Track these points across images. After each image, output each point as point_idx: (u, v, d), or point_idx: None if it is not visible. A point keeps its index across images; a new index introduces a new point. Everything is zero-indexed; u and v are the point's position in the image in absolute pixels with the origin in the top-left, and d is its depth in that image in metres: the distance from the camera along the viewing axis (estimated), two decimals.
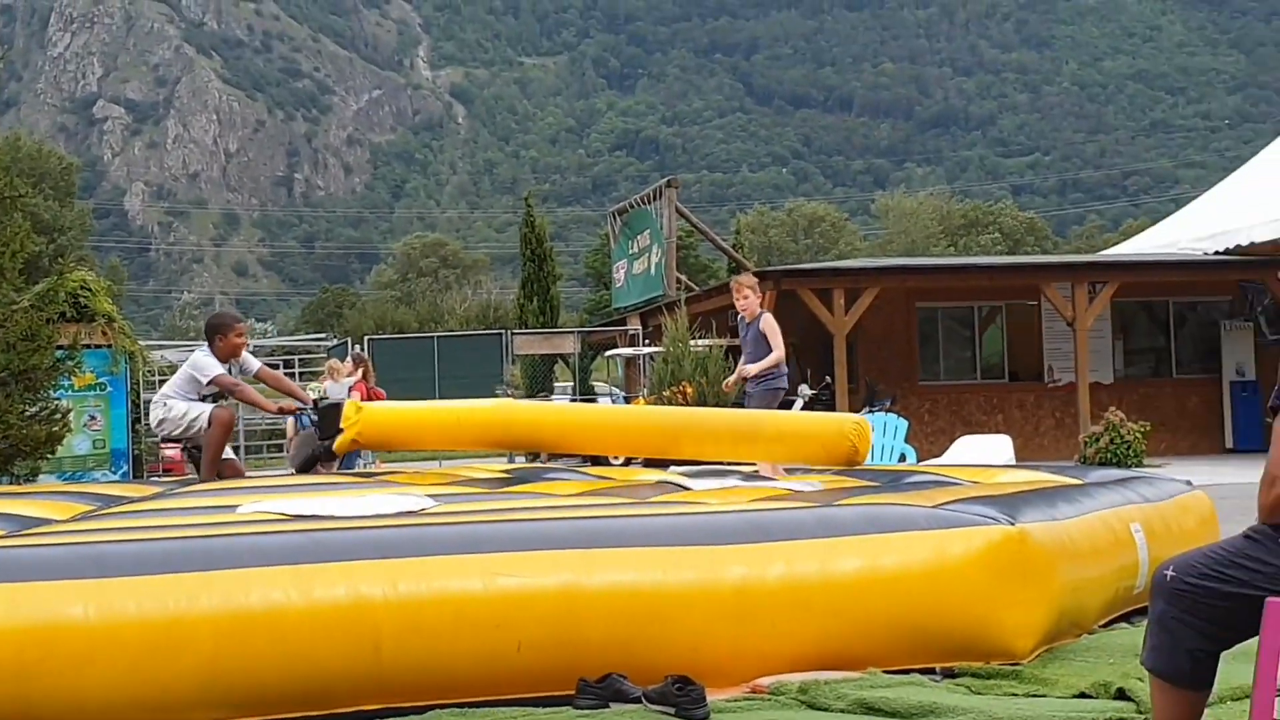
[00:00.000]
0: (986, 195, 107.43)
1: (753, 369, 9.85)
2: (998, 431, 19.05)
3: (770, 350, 9.79)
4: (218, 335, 8.67)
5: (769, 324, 9.94)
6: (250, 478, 8.98)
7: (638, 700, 4.39)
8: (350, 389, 14.58)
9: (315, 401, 9.42)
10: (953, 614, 4.95)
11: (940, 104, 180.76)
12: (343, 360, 17.84)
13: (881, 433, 13.28)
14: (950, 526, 5.09)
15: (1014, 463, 10.69)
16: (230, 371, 8.63)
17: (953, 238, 70.72)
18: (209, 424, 8.45)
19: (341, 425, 8.21)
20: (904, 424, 13.46)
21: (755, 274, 22.47)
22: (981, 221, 72.53)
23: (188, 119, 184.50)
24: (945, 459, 12.12)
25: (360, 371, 15.40)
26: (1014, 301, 22.72)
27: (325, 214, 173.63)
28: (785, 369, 10.04)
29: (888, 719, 4.14)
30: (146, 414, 9.22)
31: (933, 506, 5.36)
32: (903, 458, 12.81)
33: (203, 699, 4.24)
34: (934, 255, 57.63)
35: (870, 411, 16.87)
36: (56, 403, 15.17)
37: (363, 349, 28.63)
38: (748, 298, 10.00)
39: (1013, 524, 5.10)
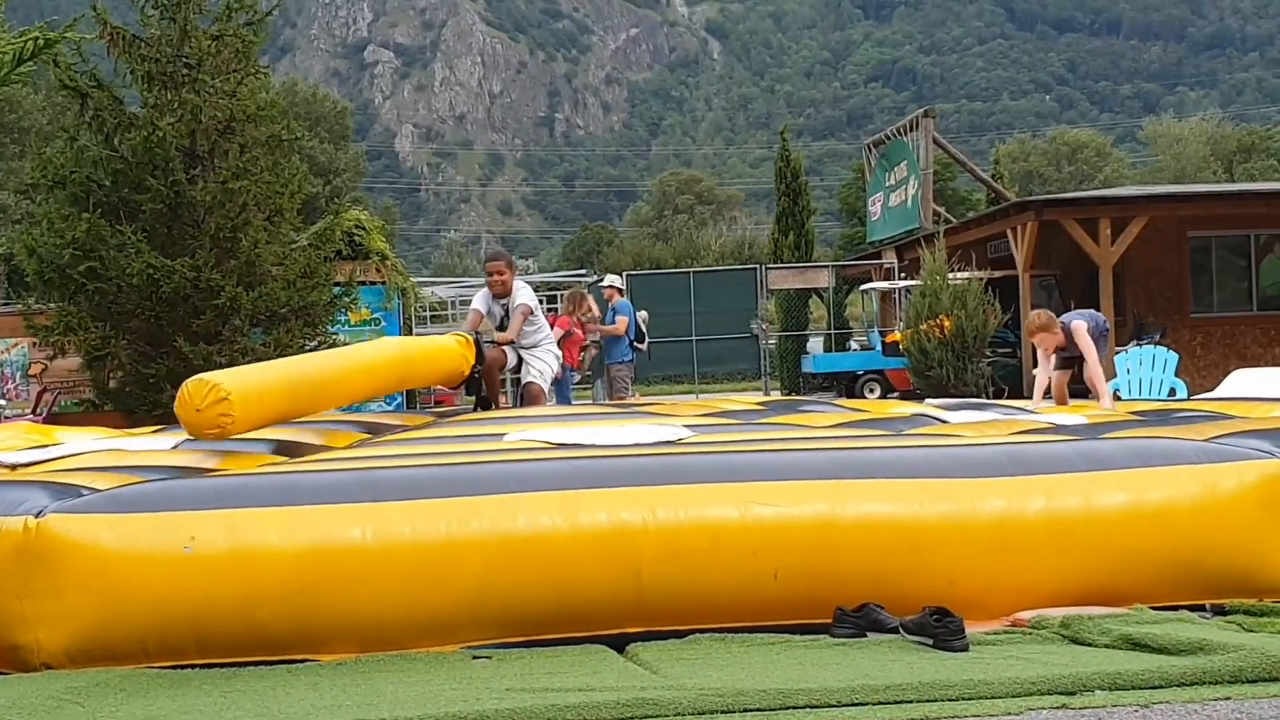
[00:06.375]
0: (1264, 119, 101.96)
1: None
2: (1275, 365, 18.22)
3: None
4: None
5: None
6: (508, 409, 9.27)
7: (895, 630, 4.38)
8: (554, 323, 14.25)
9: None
10: (1224, 550, 4.79)
11: (1215, 24, 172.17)
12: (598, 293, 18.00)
13: (1150, 366, 12.90)
14: (1222, 460, 4.93)
15: None
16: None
17: (1226, 163, 67.43)
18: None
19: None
20: (1174, 357, 13.06)
21: (1017, 204, 21.89)
22: (1257, 146, 68.91)
23: (453, 61, 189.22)
24: (1218, 393, 11.67)
25: (572, 306, 15.23)
26: None
27: (585, 153, 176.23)
28: None
29: (1155, 655, 4.05)
30: None
31: (1203, 440, 5.19)
32: (1172, 392, 12.43)
33: (473, 619, 4.37)
34: (1206, 183, 55.09)
35: (1139, 345, 16.37)
36: (334, 336, 15.86)
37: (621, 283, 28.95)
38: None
39: None
